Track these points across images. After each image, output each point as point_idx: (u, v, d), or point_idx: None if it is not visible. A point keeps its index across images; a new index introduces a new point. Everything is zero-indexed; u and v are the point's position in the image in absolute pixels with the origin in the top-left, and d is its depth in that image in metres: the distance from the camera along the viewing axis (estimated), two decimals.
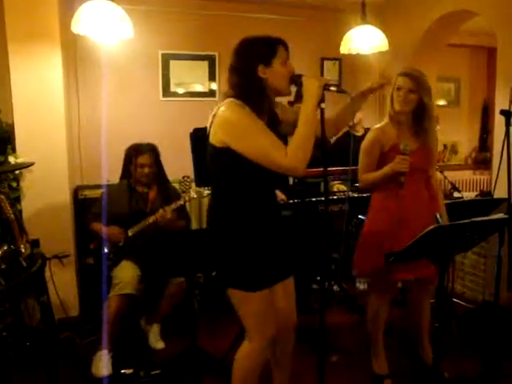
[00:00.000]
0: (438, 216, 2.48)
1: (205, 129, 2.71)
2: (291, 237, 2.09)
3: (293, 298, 2.16)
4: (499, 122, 3.25)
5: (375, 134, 2.55)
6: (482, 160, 6.82)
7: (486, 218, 1.91)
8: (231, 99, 1.84)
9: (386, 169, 2.45)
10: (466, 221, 1.80)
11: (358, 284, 4.01)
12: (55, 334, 2.88)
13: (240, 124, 1.80)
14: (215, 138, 1.85)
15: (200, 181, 2.82)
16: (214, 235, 1.99)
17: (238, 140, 1.80)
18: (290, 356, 2.25)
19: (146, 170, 3.21)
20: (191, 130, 2.72)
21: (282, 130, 2.00)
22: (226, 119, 1.82)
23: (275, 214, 2.06)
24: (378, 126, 2.60)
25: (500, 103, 3.44)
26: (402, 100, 2.45)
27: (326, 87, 1.81)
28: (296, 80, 1.86)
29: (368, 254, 2.56)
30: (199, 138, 2.69)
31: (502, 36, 3.50)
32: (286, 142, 1.89)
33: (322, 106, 1.83)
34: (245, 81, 1.85)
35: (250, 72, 1.84)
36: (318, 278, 3.88)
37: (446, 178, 4.07)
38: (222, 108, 1.84)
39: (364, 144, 2.57)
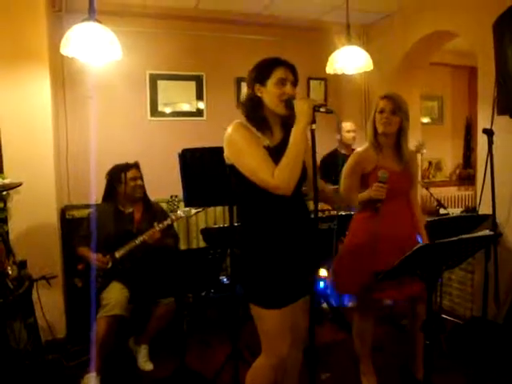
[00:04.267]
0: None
1: (193, 149, 2.75)
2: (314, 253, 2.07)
3: (305, 317, 2.10)
4: (482, 140, 3.32)
5: (357, 158, 2.62)
6: (466, 176, 6.92)
7: (472, 235, 1.94)
8: (238, 120, 1.98)
9: (364, 194, 2.50)
10: (453, 238, 1.83)
11: (344, 301, 4.02)
12: (42, 357, 2.83)
13: (237, 144, 1.93)
14: (225, 155, 1.99)
15: (189, 201, 2.81)
16: (241, 250, 2.07)
17: (235, 158, 1.95)
18: (297, 377, 2.25)
19: (139, 182, 3.25)
20: (180, 151, 2.73)
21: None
22: (227, 139, 1.96)
23: (301, 230, 2.02)
24: (359, 149, 2.67)
25: (482, 122, 3.51)
26: (385, 122, 2.51)
27: (315, 108, 1.85)
28: (288, 102, 1.92)
29: (347, 272, 2.58)
30: (188, 158, 2.70)
31: (482, 57, 3.58)
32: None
33: (313, 126, 1.87)
34: (246, 97, 2.02)
35: (250, 89, 2.00)
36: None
37: (431, 194, 4.14)
38: (229, 128, 1.96)
39: (346, 166, 2.63)
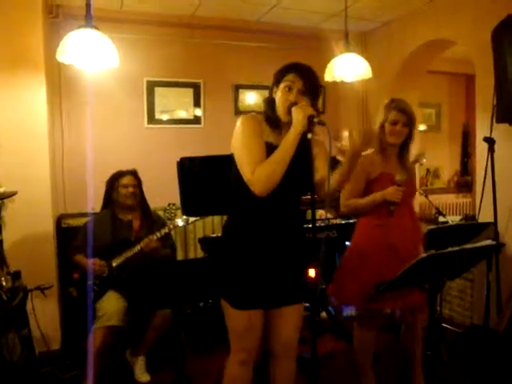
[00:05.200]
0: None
1: (192, 158, 2.72)
2: (303, 264, 2.08)
3: (294, 326, 2.13)
4: (481, 147, 3.31)
5: (363, 161, 2.57)
6: (463, 183, 6.92)
7: (475, 245, 1.91)
8: (252, 112, 2.07)
9: (377, 196, 2.48)
10: (455, 248, 1.80)
11: (344, 311, 3.98)
12: (36, 369, 2.77)
13: (238, 134, 1.94)
14: (231, 144, 2.01)
15: (186, 210, 2.77)
16: (220, 243, 2.10)
17: (234, 148, 1.96)
18: None
19: (131, 189, 3.20)
20: (178, 159, 2.69)
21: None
22: (235, 128, 1.98)
23: (282, 239, 2.01)
24: (365, 153, 2.62)
25: (481, 129, 3.50)
26: (397, 135, 2.51)
27: (309, 118, 1.83)
28: (289, 109, 1.90)
29: (350, 282, 2.55)
30: (186, 167, 2.66)
31: (480, 64, 3.58)
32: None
33: (309, 136, 1.84)
34: (268, 96, 2.07)
35: (270, 91, 2.05)
36: (307, 305, 3.85)
37: (430, 202, 4.11)
38: (239, 119, 2.00)
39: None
